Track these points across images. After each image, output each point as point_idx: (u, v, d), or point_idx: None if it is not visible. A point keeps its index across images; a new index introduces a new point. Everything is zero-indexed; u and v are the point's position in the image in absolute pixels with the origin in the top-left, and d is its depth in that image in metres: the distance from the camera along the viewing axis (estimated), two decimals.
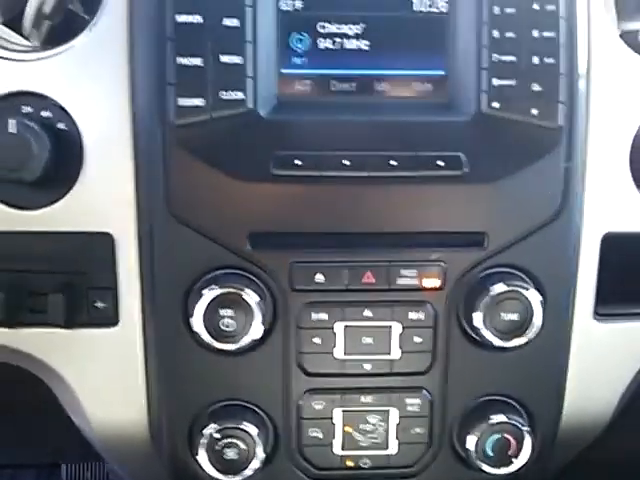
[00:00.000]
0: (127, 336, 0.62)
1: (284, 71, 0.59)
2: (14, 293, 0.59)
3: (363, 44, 0.60)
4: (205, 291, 0.56)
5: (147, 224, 0.58)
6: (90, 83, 0.58)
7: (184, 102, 0.55)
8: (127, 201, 0.59)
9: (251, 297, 0.56)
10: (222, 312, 0.56)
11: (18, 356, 0.64)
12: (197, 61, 0.55)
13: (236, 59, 0.56)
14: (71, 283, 0.61)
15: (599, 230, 0.63)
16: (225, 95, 0.56)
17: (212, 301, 0.56)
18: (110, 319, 0.61)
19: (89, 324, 0.61)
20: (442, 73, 0.60)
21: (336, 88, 0.60)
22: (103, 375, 0.63)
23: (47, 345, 0.63)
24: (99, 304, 0.62)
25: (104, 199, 0.59)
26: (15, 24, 0.67)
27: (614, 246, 0.63)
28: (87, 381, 0.63)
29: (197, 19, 0.55)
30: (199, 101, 0.55)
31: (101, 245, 0.59)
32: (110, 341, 0.62)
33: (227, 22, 0.56)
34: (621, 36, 0.64)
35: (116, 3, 0.57)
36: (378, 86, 0.61)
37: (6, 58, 0.58)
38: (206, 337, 0.57)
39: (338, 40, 0.59)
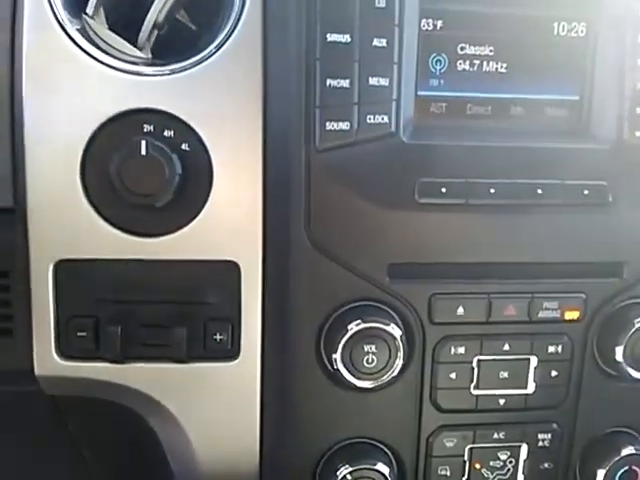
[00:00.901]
0: (246, 370, 0.58)
1: (421, 93, 0.57)
2: (130, 326, 0.55)
3: (500, 66, 0.58)
4: (351, 325, 0.53)
5: (282, 253, 0.55)
6: (220, 101, 0.54)
7: (331, 126, 0.52)
8: (256, 228, 0.55)
9: (395, 331, 0.54)
10: (366, 348, 0.53)
11: (120, 392, 0.59)
12: (345, 83, 0.52)
13: (383, 81, 0.53)
14: (191, 314, 0.57)
15: None
16: (371, 119, 0.53)
17: (355, 336, 0.53)
18: (230, 352, 0.57)
19: (207, 358, 0.57)
20: (576, 98, 0.59)
21: (472, 111, 0.58)
22: (216, 410, 0.59)
23: (158, 380, 0.58)
24: (219, 336, 0.58)
25: (232, 225, 0.55)
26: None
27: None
28: (197, 417, 0.59)
29: (346, 38, 0.52)
30: (345, 125, 0.52)
31: (226, 274, 0.56)
32: (228, 375, 0.58)
33: (376, 42, 0.53)
34: None
35: (252, 18, 0.54)
36: (513, 110, 0.59)
37: (127, 71, 0.54)
38: (346, 374, 0.54)
39: (476, 62, 0.58)
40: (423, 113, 0.57)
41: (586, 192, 0.56)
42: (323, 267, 0.54)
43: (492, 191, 0.55)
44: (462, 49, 0.57)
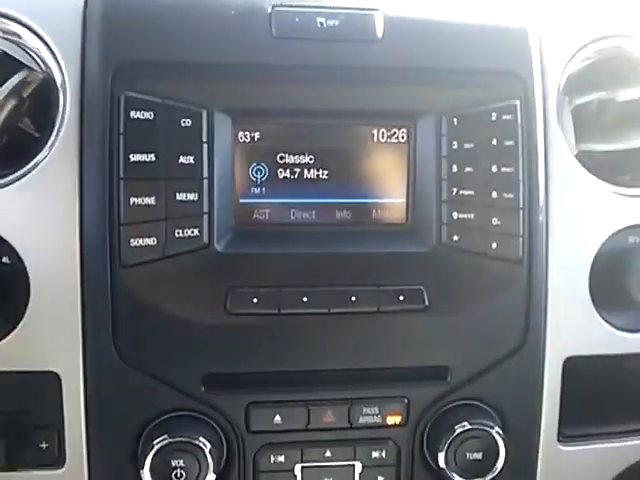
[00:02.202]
0: (72, 479, 0.58)
1: (243, 201, 0.58)
2: None
3: (322, 173, 0.60)
4: (156, 441, 0.53)
5: (94, 366, 0.55)
6: (37, 217, 0.55)
7: (136, 242, 0.53)
8: (74, 340, 0.56)
9: (205, 445, 0.54)
10: (174, 463, 0.53)
11: None
12: (150, 200, 0.53)
13: (191, 196, 0.54)
14: (14, 422, 0.57)
15: (561, 355, 0.63)
16: (179, 233, 0.54)
17: (163, 451, 0.53)
18: (55, 460, 0.57)
19: (33, 465, 0.57)
20: (402, 201, 0.60)
21: (295, 217, 0.59)
22: None
23: None
24: (44, 444, 0.58)
25: (51, 336, 0.56)
26: None
27: (576, 369, 0.63)
28: None
29: (150, 157, 0.54)
30: (151, 240, 0.53)
31: (47, 384, 0.56)
32: None
33: (182, 159, 0.54)
34: (576, 156, 0.66)
35: (67, 137, 0.55)
36: (339, 214, 0.60)
37: None
38: None
39: (297, 170, 0.59)
40: (246, 220, 0.58)
41: (401, 298, 0.57)
42: (133, 379, 0.55)
43: (305, 300, 0.56)
44: (281, 158, 0.58)
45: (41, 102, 0.58)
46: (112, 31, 0.54)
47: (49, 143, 0.56)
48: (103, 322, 0.54)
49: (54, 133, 0.56)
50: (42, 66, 0.58)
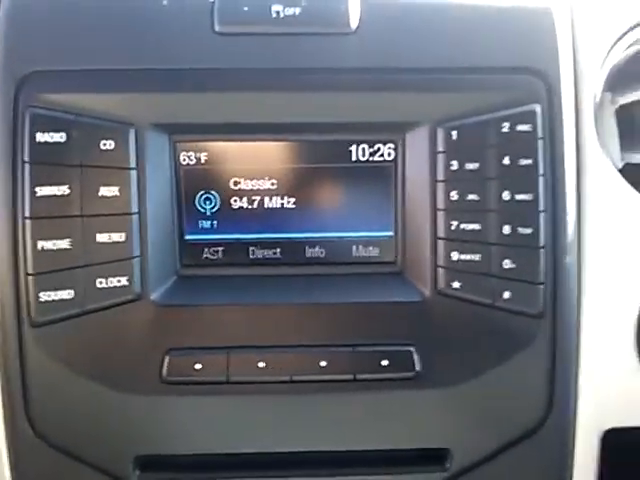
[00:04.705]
0: None
1: (189, 237, 0.47)
2: None
3: (287, 201, 0.48)
4: None
5: (10, 442, 0.45)
6: None
7: (47, 296, 0.43)
8: None
9: None
10: None
11: None
12: (64, 243, 0.43)
13: (116, 236, 0.44)
14: None
15: (599, 429, 0.50)
16: (103, 283, 0.44)
17: None
18: None
19: None
20: (388, 235, 0.48)
21: (256, 256, 0.48)
22: None
23: None
24: None
25: None
26: None
27: (617, 445, 0.50)
28: None
29: (63, 191, 0.43)
30: (67, 293, 0.43)
31: None
32: None
33: (103, 191, 0.43)
34: (622, 171, 0.52)
35: None
36: (309, 252, 0.48)
37: None
38: None
39: (256, 198, 0.47)
40: (194, 261, 0.47)
41: (385, 362, 0.45)
42: (53, 462, 0.45)
43: (261, 365, 0.44)
44: (236, 184, 0.47)
45: None
46: (16, 37, 0.44)
47: None
48: (15, 392, 0.44)
49: None
50: None
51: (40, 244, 0.43)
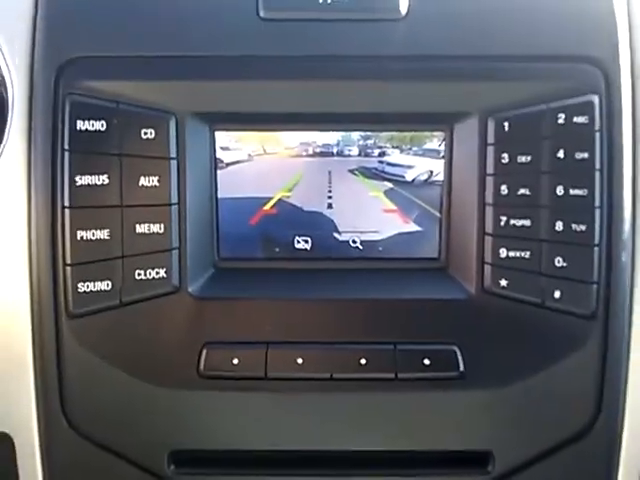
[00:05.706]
0: None
1: (228, 230, 0.45)
2: None
3: (329, 195, 0.47)
4: None
5: (44, 432, 0.45)
6: None
7: (85, 287, 0.42)
8: (28, 399, 0.45)
9: None
10: None
11: None
12: (103, 234, 0.42)
13: (155, 227, 0.43)
14: None
15: None
16: (141, 274, 0.43)
17: None
18: None
19: None
20: (433, 230, 0.45)
21: (295, 250, 0.46)
22: None
23: None
24: None
25: (3, 396, 0.46)
26: None
27: None
28: None
29: (102, 180, 0.42)
30: (105, 284, 0.42)
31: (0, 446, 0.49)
32: None
33: (143, 181, 0.43)
34: None
35: (12, 156, 0.44)
36: (352, 246, 0.46)
37: None
38: None
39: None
40: (232, 255, 0.45)
41: (427, 361, 0.43)
42: (87, 454, 0.45)
43: (300, 361, 0.43)
44: None
45: None
46: (58, 25, 0.43)
47: None
48: (50, 384, 0.44)
49: None
50: None
51: (79, 234, 0.42)
